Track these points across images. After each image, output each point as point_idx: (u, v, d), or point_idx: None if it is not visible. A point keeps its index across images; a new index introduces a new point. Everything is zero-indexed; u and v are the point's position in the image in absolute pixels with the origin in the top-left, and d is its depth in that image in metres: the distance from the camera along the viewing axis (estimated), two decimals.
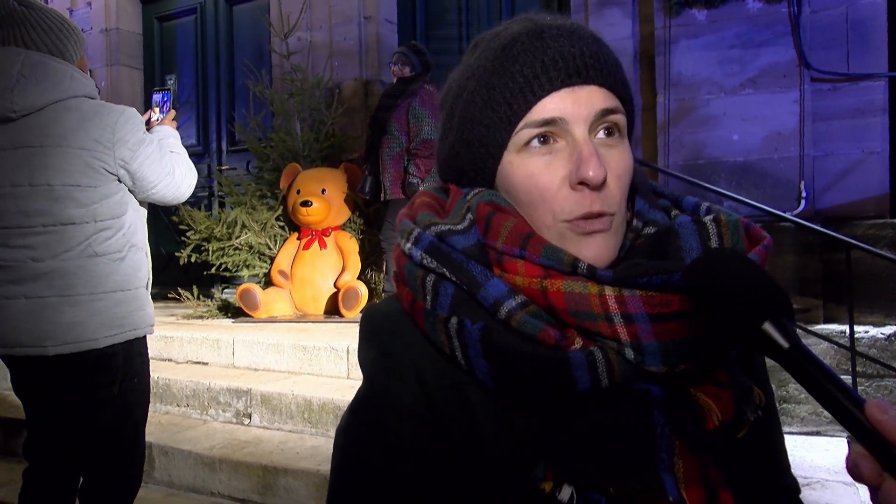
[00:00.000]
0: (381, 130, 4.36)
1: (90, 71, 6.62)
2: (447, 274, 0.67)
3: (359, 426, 0.71)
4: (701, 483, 0.63)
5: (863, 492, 2.92)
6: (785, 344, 0.50)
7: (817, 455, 3.11)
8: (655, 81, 4.31)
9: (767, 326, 0.51)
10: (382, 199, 4.41)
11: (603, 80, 0.68)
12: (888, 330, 3.49)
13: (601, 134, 0.68)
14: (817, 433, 3.43)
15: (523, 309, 0.64)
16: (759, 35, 4.00)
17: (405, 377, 0.68)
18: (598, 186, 0.65)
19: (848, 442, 3.30)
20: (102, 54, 6.66)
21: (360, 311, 4.51)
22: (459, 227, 0.69)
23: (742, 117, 4.05)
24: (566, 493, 0.62)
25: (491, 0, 5.30)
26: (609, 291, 0.61)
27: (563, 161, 0.67)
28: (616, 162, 0.68)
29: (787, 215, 3.51)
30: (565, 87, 0.66)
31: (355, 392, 0.74)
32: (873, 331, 3.51)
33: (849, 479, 2.88)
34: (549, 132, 0.67)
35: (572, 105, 0.66)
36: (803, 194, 3.91)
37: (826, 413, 3.43)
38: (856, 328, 3.37)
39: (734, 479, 0.66)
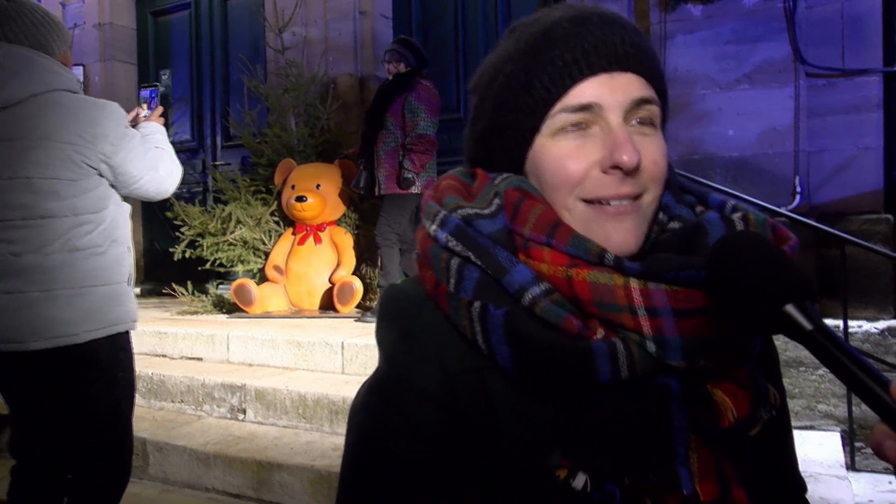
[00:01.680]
0: (377, 125, 4.33)
1: (83, 66, 6.60)
2: (472, 258, 0.66)
3: (377, 405, 0.70)
4: (715, 478, 0.63)
5: (855, 485, 2.93)
6: (808, 325, 0.50)
7: (810, 449, 3.12)
8: None
9: (790, 308, 0.51)
10: (377, 193, 4.37)
11: (642, 69, 0.68)
12: (882, 325, 3.50)
13: (635, 122, 0.68)
14: (811, 427, 3.44)
15: (547, 297, 0.63)
16: (754, 30, 4.00)
17: (427, 359, 0.68)
18: (632, 171, 0.65)
19: (841, 435, 3.31)
20: (96, 49, 6.63)
21: (356, 307, 4.50)
22: (486, 211, 0.69)
23: (737, 113, 4.05)
24: (580, 480, 0.62)
25: None
26: (634, 284, 0.61)
27: (595, 146, 0.67)
28: (650, 149, 0.68)
29: (782, 210, 3.51)
30: (604, 73, 0.67)
31: (372, 372, 0.74)
32: (867, 325, 3.52)
33: (841, 472, 2.89)
34: (585, 119, 0.67)
35: (610, 91, 0.66)
36: (798, 190, 3.91)
37: (820, 407, 3.44)
38: (850, 323, 3.38)
39: (746, 476, 0.66)
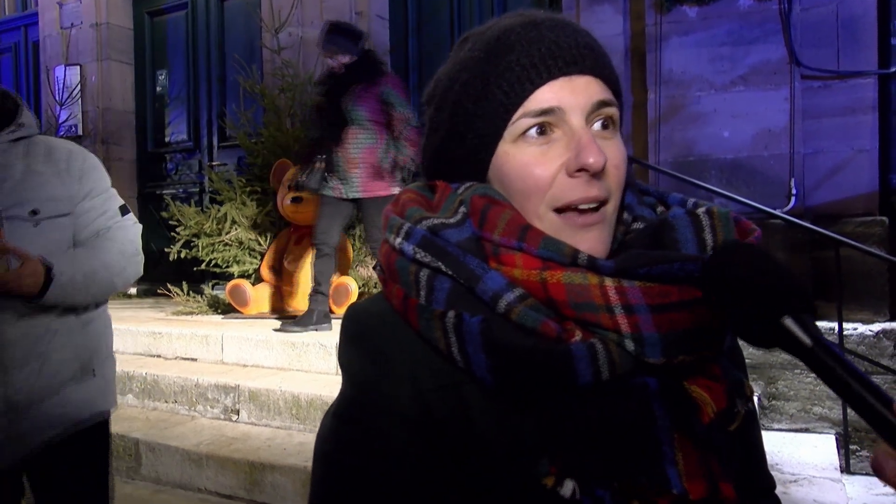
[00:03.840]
0: (340, 122, 3.91)
1: (79, 66, 6.59)
2: (443, 268, 0.65)
3: (347, 431, 0.67)
4: (703, 476, 0.63)
5: (849, 488, 2.93)
6: (808, 340, 0.49)
7: (805, 452, 3.12)
8: (646, 78, 4.31)
9: (788, 322, 0.50)
10: (345, 197, 3.92)
11: (598, 71, 0.68)
12: (877, 327, 3.50)
13: (597, 126, 0.68)
14: (806, 430, 3.44)
15: (522, 302, 0.63)
16: (749, 32, 4.00)
17: (399, 380, 0.65)
18: (598, 174, 0.65)
19: (836, 438, 3.31)
20: (93, 49, 6.62)
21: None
22: (452, 220, 0.68)
23: (732, 114, 4.05)
24: (568, 487, 0.61)
25: None
26: (609, 282, 0.61)
27: (559, 150, 0.66)
28: (613, 152, 0.68)
29: (777, 212, 3.52)
30: (563, 76, 0.66)
31: (336, 397, 0.71)
32: (862, 328, 3.52)
33: (836, 475, 2.89)
34: (546, 122, 0.67)
35: (570, 94, 0.66)
36: (793, 191, 3.92)
37: (815, 410, 3.44)
38: (845, 325, 3.38)
39: (730, 471, 0.66)
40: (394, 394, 0.65)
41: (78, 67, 6.65)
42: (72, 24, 6.71)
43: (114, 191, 1.84)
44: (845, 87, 3.93)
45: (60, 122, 6.60)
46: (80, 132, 6.62)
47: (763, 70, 3.98)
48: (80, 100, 6.63)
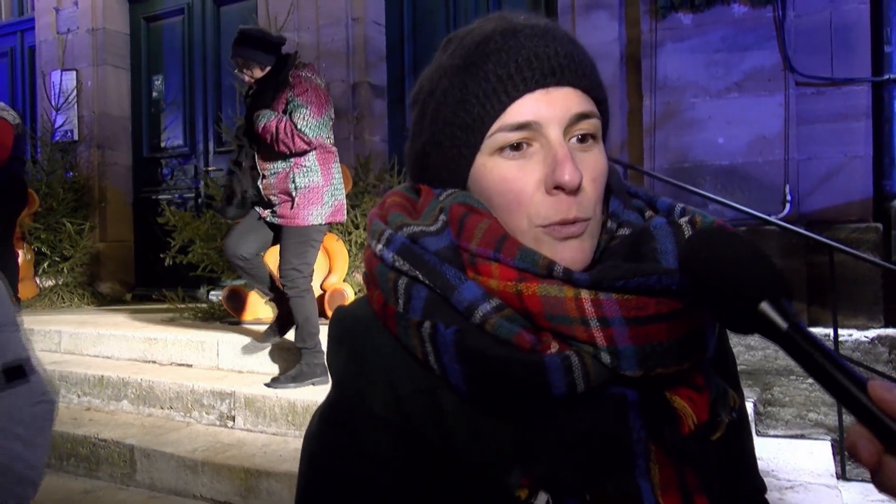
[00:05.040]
0: (257, 143, 3.40)
1: (76, 71, 6.59)
2: (420, 277, 0.65)
3: (329, 432, 0.69)
4: (677, 488, 0.63)
5: (846, 494, 2.93)
6: (783, 324, 0.49)
7: (801, 458, 3.12)
8: (641, 84, 4.32)
9: (765, 306, 0.49)
10: (268, 220, 3.46)
11: (578, 81, 0.67)
12: (871, 333, 3.51)
13: (576, 139, 0.67)
14: (801, 436, 3.45)
15: (498, 312, 0.62)
16: (744, 39, 4.02)
17: (376, 382, 0.67)
18: (574, 191, 0.64)
19: (832, 444, 3.32)
20: (89, 54, 6.62)
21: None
22: (432, 228, 0.68)
23: (727, 120, 4.07)
24: (541, 500, 0.61)
25: (478, 1, 5.31)
26: (585, 295, 0.60)
27: (537, 164, 0.66)
28: (591, 166, 0.67)
29: (772, 219, 3.53)
30: (540, 89, 0.65)
31: (325, 397, 0.73)
32: (857, 334, 3.53)
33: (832, 481, 2.89)
34: (524, 137, 0.66)
35: (547, 107, 0.65)
36: (788, 198, 3.93)
37: (810, 416, 3.45)
38: (839, 331, 3.39)
39: (709, 483, 0.65)
40: (372, 396, 0.67)
41: (74, 72, 6.64)
42: (68, 28, 6.70)
43: (17, 335, 1.20)
44: (839, 93, 3.95)
45: (56, 126, 6.60)
46: (75, 137, 6.62)
47: (757, 76, 4.00)
48: (75, 105, 6.62)
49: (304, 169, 3.35)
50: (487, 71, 0.67)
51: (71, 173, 6.54)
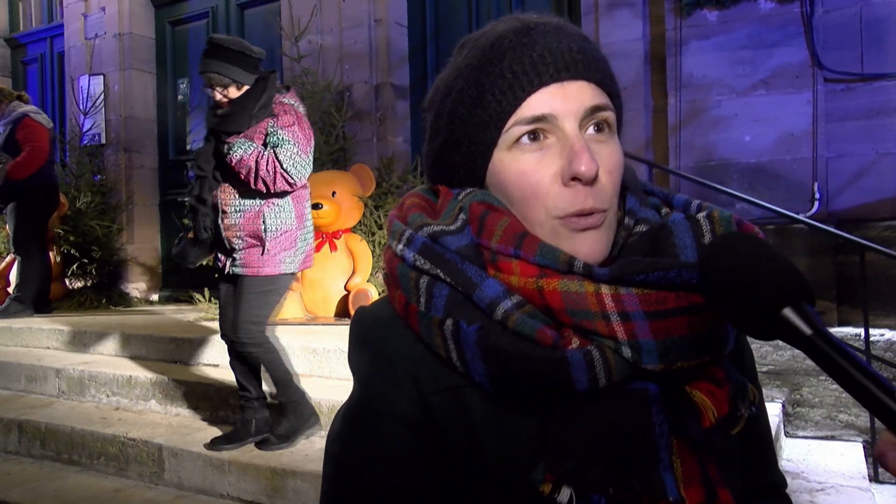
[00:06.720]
0: (223, 177, 2.90)
1: (103, 75, 6.69)
2: (441, 275, 0.66)
3: (353, 433, 0.70)
4: (700, 482, 0.63)
5: (878, 497, 2.88)
6: (807, 330, 0.48)
7: (832, 460, 3.07)
8: (666, 83, 4.29)
9: (788, 312, 0.48)
10: (226, 272, 2.94)
11: (591, 74, 0.68)
12: None
13: (591, 130, 0.68)
14: (832, 437, 3.39)
15: (519, 309, 0.63)
16: (770, 35, 3.97)
17: (401, 382, 0.68)
18: (591, 181, 0.65)
19: (864, 446, 3.26)
20: (115, 58, 6.73)
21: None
22: (452, 227, 0.69)
23: (754, 118, 4.02)
24: (565, 494, 0.61)
25: (501, 2, 5.30)
26: (605, 290, 0.61)
27: (554, 157, 0.67)
28: (607, 157, 0.68)
29: (800, 217, 3.48)
30: (554, 83, 0.66)
31: (347, 398, 0.73)
32: (889, 334, 3.46)
33: (864, 484, 2.84)
34: (540, 129, 0.67)
35: (562, 101, 0.66)
36: (816, 196, 3.87)
37: (841, 417, 3.39)
38: (871, 331, 3.33)
39: (730, 475, 0.66)
40: (395, 395, 0.68)
41: (101, 77, 6.75)
42: (95, 34, 6.81)
43: None
44: (869, 89, 3.88)
45: (84, 130, 6.70)
46: (103, 140, 6.73)
47: (784, 73, 3.94)
48: (103, 108, 6.73)
49: (277, 208, 2.88)
50: (503, 68, 0.68)
51: (99, 176, 6.64)
